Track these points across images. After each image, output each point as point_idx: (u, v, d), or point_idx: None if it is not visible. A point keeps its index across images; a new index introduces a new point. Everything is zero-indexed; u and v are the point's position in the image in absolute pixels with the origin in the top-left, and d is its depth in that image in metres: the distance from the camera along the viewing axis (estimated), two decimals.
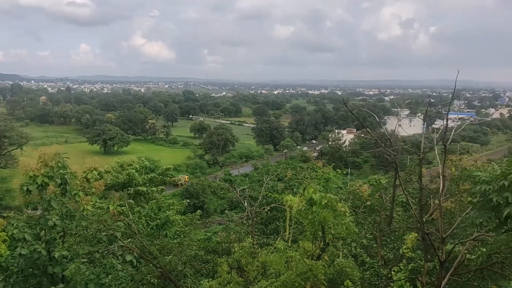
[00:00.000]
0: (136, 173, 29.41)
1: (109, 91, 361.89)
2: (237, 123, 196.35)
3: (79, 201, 16.39)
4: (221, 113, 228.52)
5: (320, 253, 11.42)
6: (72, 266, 12.92)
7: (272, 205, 20.48)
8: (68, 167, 16.43)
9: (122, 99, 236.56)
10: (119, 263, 13.76)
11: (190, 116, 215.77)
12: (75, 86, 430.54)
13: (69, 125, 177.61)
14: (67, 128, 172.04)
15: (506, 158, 7.05)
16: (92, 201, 16.69)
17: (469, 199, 7.83)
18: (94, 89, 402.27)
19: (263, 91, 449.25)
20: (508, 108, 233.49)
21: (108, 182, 27.70)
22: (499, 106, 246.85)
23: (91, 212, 15.43)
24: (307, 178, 17.95)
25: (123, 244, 13.17)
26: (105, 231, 13.60)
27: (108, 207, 16.87)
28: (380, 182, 24.61)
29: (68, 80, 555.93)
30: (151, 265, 12.87)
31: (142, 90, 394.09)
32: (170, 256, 13.65)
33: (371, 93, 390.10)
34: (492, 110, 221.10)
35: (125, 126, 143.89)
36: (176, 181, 78.38)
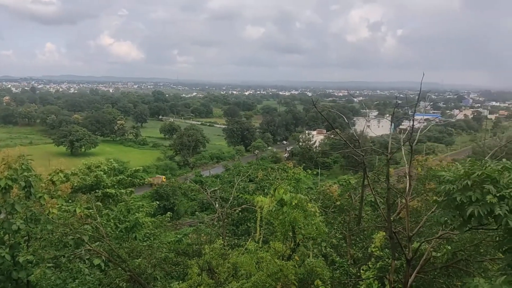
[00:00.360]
0: (105, 175, 28.78)
1: (76, 91, 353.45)
2: (208, 124, 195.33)
3: (44, 204, 15.93)
4: (192, 114, 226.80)
5: (291, 253, 11.49)
6: (38, 271, 12.56)
7: (243, 206, 20.50)
8: (33, 169, 15.92)
9: (90, 99, 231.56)
10: (87, 267, 13.47)
11: (160, 117, 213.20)
12: (40, 86, 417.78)
13: (34, 126, 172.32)
14: (32, 129, 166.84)
15: (469, 158, 7.27)
16: (58, 204, 16.26)
17: (434, 198, 8.03)
18: (60, 89, 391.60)
19: (234, 92, 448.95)
20: (471, 109, 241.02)
21: (75, 184, 27.02)
22: (463, 108, 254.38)
23: (57, 216, 15.05)
24: (278, 178, 18.03)
25: (91, 248, 12.91)
26: (72, 234, 13.28)
27: (75, 210, 16.48)
28: (350, 182, 24.98)
29: (32, 80, 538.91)
30: (119, 268, 12.65)
31: (111, 91, 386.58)
32: (139, 259, 13.45)
33: (341, 94, 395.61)
34: (456, 111, 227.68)
35: (93, 127, 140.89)
36: (150, 181, 77.70)
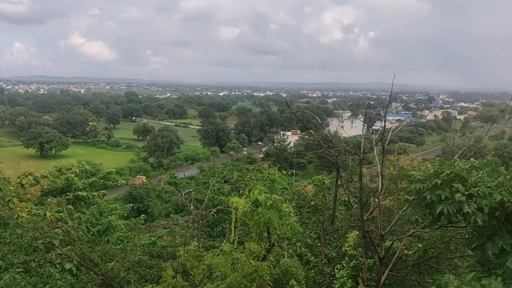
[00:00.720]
0: (76, 178, 28.26)
1: (45, 92, 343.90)
2: (182, 125, 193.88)
3: (13, 208, 15.53)
4: (166, 115, 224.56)
5: (266, 253, 11.51)
6: (7, 276, 12.20)
7: (218, 207, 20.40)
8: (1, 172, 15.49)
9: (60, 100, 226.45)
10: (58, 272, 13.15)
11: (133, 118, 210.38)
12: (8, 87, 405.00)
13: (2, 127, 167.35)
14: (0, 131, 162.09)
15: (439, 158, 7.43)
16: (27, 208, 15.87)
17: (405, 197, 8.18)
18: (30, 90, 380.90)
19: (209, 93, 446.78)
20: (441, 110, 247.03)
21: (45, 187, 26.51)
22: (433, 108, 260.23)
23: (26, 219, 14.71)
24: (253, 179, 18.08)
25: (62, 252, 12.64)
26: (42, 239, 12.98)
27: (45, 214, 16.12)
28: (324, 182, 25.24)
29: (1, 81, 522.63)
30: (92, 272, 12.43)
31: (82, 91, 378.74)
32: (112, 263, 13.26)
33: (315, 95, 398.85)
34: (426, 112, 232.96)
35: (64, 128, 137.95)
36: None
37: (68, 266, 13.45)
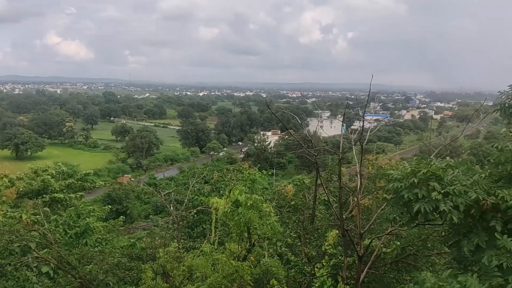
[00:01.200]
0: (52, 179, 27.74)
1: (21, 92, 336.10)
2: (161, 126, 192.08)
3: None
4: (145, 115, 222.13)
5: (246, 254, 11.52)
6: None
7: (199, 208, 20.32)
8: None
9: (36, 100, 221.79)
10: (34, 276, 12.89)
11: (112, 118, 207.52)
12: None
13: None
14: None
15: (416, 157, 7.56)
16: (2, 211, 15.50)
17: (384, 196, 8.29)
18: (4, 90, 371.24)
19: (188, 93, 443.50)
20: (418, 110, 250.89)
21: (20, 189, 26.00)
22: (410, 108, 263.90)
23: (1, 222, 14.36)
24: (233, 179, 18.05)
25: (38, 255, 12.41)
26: (18, 242, 12.71)
27: (21, 216, 15.76)
28: (304, 182, 25.38)
29: None
30: (69, 276, 12.23)
31: (58, 91, 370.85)
32: (90, 265, 13.07)
33: (294, 95, 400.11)
34: (404, 112, 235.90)
35: (40, 129, 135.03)
36: (103, 184, 76.79)
37: (45, 269, 13.19)
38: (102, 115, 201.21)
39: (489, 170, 7.09)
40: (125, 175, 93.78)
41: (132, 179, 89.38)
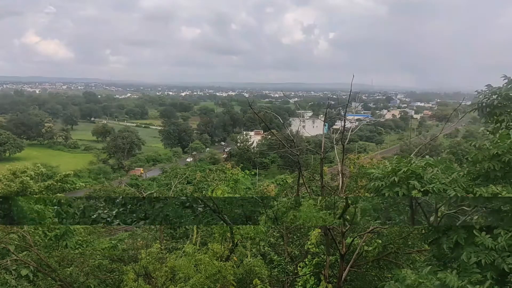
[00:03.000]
0: (31, 181, 27.25)
1: None
2: (143, 126, 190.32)
3: None
4: (126, 116, 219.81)
5: (229, 254, 11.51)
6: None
7: None
8: None
9: (14, 100, 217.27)
10: (13, 279, 12.63)
11: (92, 118, 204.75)
12: None
13: None
14: None
15: (396, 156, 7.66)
16: None
17: (365, 194, 8.37)
18: None
19: (170, 93, 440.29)
20: (399, 109, 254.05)
21: None
22: (391, 108, 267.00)
23: None
24: (216, 180, 17.98)
25: (17, 258, 12.18)
26: None
27: None
28: (287, 181, 25.49)
29: None
30: (49, 278, 12.03)
31: (37, 91, 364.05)
32: (71, 268, 12.88)
33: (277, 95, 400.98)
34: (385, 112, 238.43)
35: (18, 130, 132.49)
36: (84, 186, 76.18)
37: (24, 272, 12.95)
38: (83, 116, 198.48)
39: (467, 168, 7.22)
40: (136, 168, 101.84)
41: (142, 171, 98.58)
